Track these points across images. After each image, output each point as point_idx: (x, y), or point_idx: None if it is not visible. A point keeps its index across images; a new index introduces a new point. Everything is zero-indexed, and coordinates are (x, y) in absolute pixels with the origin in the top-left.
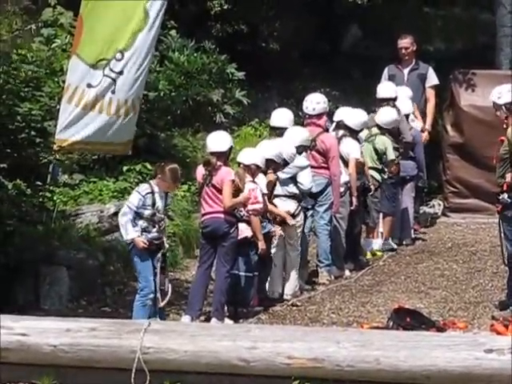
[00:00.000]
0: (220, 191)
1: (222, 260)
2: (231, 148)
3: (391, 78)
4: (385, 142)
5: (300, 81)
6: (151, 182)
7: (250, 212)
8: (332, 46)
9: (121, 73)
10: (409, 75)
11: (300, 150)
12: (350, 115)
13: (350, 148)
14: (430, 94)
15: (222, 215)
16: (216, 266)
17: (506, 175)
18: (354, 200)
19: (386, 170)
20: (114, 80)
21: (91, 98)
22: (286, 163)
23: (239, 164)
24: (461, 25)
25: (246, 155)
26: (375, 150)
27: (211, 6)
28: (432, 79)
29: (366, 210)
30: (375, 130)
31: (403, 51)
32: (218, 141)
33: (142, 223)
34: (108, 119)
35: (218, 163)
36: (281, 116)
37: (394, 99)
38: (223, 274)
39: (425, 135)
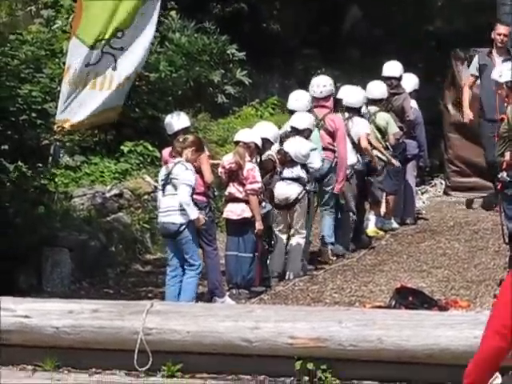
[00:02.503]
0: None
1: (206, 240)
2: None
3: (482, 67)
4: (385, 117)
5: (301, 61)
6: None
7: (249, 191)
8: (332, 26)
9: (121, 49)
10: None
11: (306, 133)
12: (350, 94)
13: (360, 126)
14: None
15: (195, 196)
16: (203, 247)
17: (505, 153)
18: (394, 162)
19: (389, 146)
20: (114, 56)
21: (90, 76)
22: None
23: (238, 142)
24: (461, 4)
25: (246, 134)
26: (377, 128)
27: None
28: None
29: (369, 189)
30: (373, 109)
31: (501, 37)
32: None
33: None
34: (108, 95)
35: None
36: (297, 99)
37: (399, 78)
38: (211, 253)
39: None
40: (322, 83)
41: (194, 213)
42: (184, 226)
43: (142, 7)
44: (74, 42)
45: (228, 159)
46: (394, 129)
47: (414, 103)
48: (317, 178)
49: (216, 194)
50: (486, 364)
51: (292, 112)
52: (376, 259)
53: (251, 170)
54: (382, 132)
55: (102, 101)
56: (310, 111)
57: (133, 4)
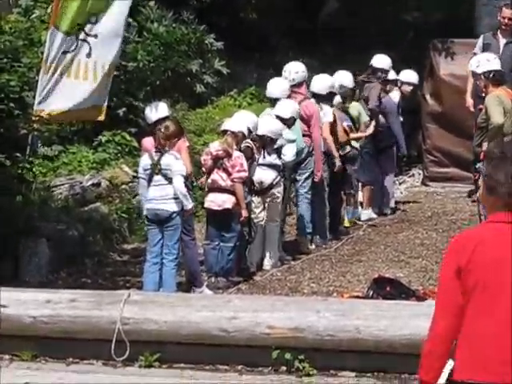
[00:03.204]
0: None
1: (184, 231)
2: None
3: (486, 46)
4: (355, 106)
5: (279, 51)
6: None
7: (236, 180)
8: (310, 17)
9: (96, 36)
10: (505, 47)
11: (290, 121)
12: (315, 82)
13: (323, 113)
14: None
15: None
16: (182, 238)
17: (482, 144)
18: (337, 161)
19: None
20: (89, 43)
21: (67, 64)
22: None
23: (225, 131)
24: None
25: (234, 123)
26: (350, 117)
27: None
28: None
29: (346, 179)
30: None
31: (506, 21)
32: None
33: None
34: (84, 85)
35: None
36: (276, 86)
37: (386, 71)
38: (190, 243)
39: None
40: (293, 70)
41: (189, 203)
42: (175, 214)
43: None
44: (52, 31)
45: (215, 146)
46: (364, 118)
47: (396, 94)
48: (295, 164)
49: (194, 184)
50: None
51: (271, 100)
52: (354, 249)
53: (239, 157)
54: (354, 120)
55: (84, 95)
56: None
57: None
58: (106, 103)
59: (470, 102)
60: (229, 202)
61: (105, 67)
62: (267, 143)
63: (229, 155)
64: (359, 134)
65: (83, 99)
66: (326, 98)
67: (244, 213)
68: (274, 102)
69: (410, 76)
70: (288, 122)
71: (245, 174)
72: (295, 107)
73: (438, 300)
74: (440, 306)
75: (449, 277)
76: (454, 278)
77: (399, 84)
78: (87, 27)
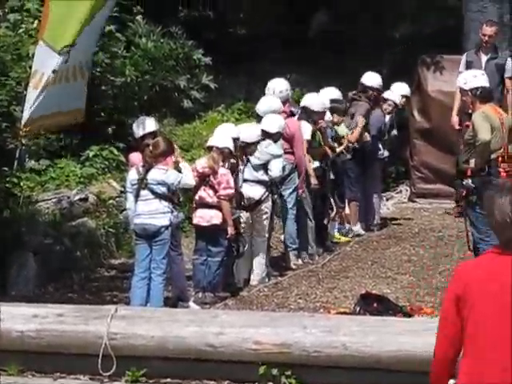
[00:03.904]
0: None
1: (171, 246)
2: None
3: (469, 64)
4: (344, 129)
5: (267, 66)
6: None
7: (222, 197)
8: (299, 30)
9: (74, 45)
10: (487, 63)
11: (277, 136)
12: (307, 97)
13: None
14: (509, 84)
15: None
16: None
17: (470, 160)
18: (313, 180)
19: (344, 151)
20: (68, 52)
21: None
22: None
23: (211, 148)
24: (429, 9)
25: (219, 139)
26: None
27: None
28: (508, 71)
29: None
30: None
31: (486, 38)
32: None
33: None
34: (64, 88)
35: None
36: (269, 105)
37: (377, 90)
38: (176, 258)
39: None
40: (277, 89)
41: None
42: (164, 229)
43: (102, 7)
44: (41, 46)
45: (201, 163)
46: (341, 132)
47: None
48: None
49: (181, 199)
50: None
51: (260, 117)
52: (341, 265)
53: (224, 175)
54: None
55: (64, 98)
56: None
57: (93, 7)
58: (84, 105)
59: (455, 120)
60: (216, 218)
61: (76, 66)
62: (246, 149)
63: (214, 172)
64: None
65: (63, 102)
66: (316, 114)
67: (230, 230)
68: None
69: (402, 88)
70: (274, 137)
71: (231, 191)
72: (281, 122)
73: (439, 326)
74: (440, 332)
75: (448, 304)
76: (452, 306)
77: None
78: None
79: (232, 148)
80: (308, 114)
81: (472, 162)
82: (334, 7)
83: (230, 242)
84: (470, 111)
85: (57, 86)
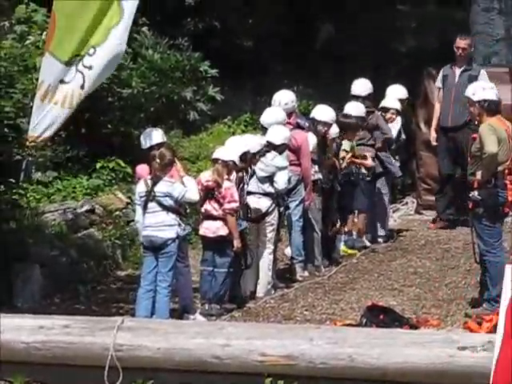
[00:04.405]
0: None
1: (178, 258)
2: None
3: (444, 78)
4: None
5: (273, 78)
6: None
7: (227, 211)
8: (305, 43)
9: (90, 68)
10: (460, 76)
11: (282, 148)
12: (317, 109)
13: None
14: None
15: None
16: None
17: (476, 172)
18: (306, 194)
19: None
20: (84, 75)
21: (63, 94)
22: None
23: (217, 160)
24: (434, 22)
25: (224, 151)
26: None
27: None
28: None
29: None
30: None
31: (460, 51)
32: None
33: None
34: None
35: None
36: (273, 116)
37: (366, 97)
38: (183, 270)
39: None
40: (283, 101)
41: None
42: (170, 241)
43: (115, 27)
44: (48, 58)
45: (205, 176)
46: (344, 147)
47: (397, 119)
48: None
49: (188, 211)
50: None
51: (265, 128)
52: (347, 277)
53: (229, 188)
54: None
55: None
56: None
57: (108, 20)
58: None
59: (433, 136)
60: (223, 229)
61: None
62: (250, 159)
63: (219, 186)
64: (364, 162)
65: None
66: (314, 126)
67: (236, 243)
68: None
69: (398, 91)
70: (279, 149)
71: (236, 205)
72: (287, 134)
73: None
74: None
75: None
76: None
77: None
78: (86, 59)
79: (237, 161)
80: (316, 125)
81: (478, 174)
82: (340, 19)
83: (237, 255)
84: (476, 123)
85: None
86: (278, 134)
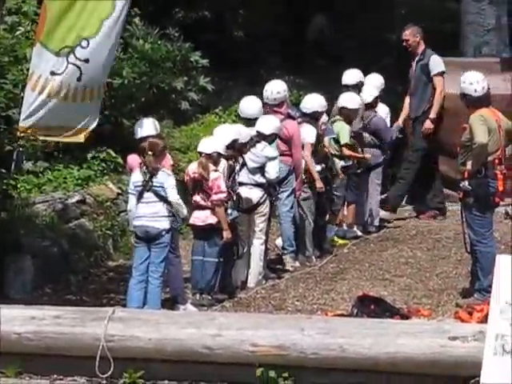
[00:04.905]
0: None
1: (170, 249)
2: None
3: (410, 71)
4: (337, 126)
5: (265, 68)
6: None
7: (215, 202)
8: (297, 33)
9: (87, 61)
10: (415, 67)
11: (272, 138)
12: (304, 100)
13: (305, 132)
14: (436, 82)
15: None
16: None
17: (467, 162)
18: (318, 183)
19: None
20: (80, 68)
21: (55, 86)
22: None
23: (201, 153)
24: (425, 12)
25: (206, 144)
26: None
27: None
28: (435, 67)
29: (330, 197)
30: (336, 117)
31: (404, 43)
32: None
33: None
34: (73, 106)
35: None
36: (250, 105)
37: (357, 86)
38: (174, 261)
39: (427, 124)
40: (275, 90)
41: (184, 210)
42: (165, 232)
43: (108, 19)
44: (38, 48)
45: (193, 168)
46: (344, 139)
47: (383, 108)
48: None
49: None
50: None
51: (244, 119)
52: (338, 267)
53: (216, 179)
54: (337, 141)
55: (72, 117)
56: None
57: (100, 11)
58: (92, 126)
59: (397, 124)
60: (211, 218)
61: (94, 91)
62: (240, 149)
63: (205, 178)
64: (355, 155)
65: (70, 120)
66: (313, 118)
67: (226, 234)
68: (248, 121)
69: (376, 80)
70: (269, 139)
71: (223, 196)
72: (277, 124)
73: None
74: None
75: None
76: None
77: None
78: (78, 52)
79: (223, 150)
80: (302, 115)
81: (469, 164)
82: (333, 10)
83: (228, 245)
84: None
85: (69, 103)
86: (268, 124)
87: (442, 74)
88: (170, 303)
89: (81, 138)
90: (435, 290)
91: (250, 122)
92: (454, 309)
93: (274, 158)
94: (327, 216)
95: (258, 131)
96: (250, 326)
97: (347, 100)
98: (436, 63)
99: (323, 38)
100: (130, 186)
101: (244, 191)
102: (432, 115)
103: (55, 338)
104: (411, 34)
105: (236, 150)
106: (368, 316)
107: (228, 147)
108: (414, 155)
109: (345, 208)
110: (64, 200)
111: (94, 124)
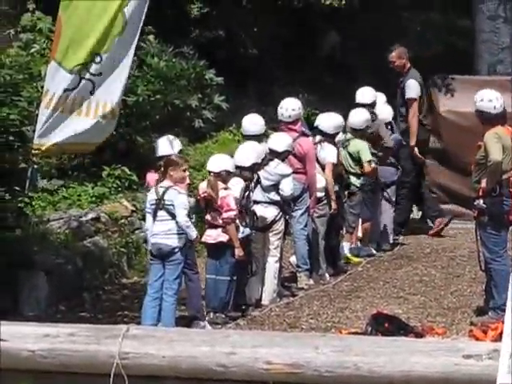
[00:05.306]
0: None
1: (186, 265)
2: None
3: (397, 92)
4: (357, 145)
5: (278, 86)
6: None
7: (225, 220)
8: (310, 51)
9: (99, 74)
10: (398, 88)
11: (284, 155)
12: (324, 119)
13: (326, 152)
14: (409, 106)
15: None
16: (185, 272)
17: (481, 180)
18: (333, 204)
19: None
20: (93, 83)
21: (69, 102)
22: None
23: (210, 172)
24: (439, 30)
25: (214, 163)
26: (350, 154)
27: (190, 9)
28: (408, 92)
29: (343, 215)
30: (349, 135)
31: (390, 65)
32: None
33: None
34: (86, 121)
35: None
36: (253, 123)
37: (372, 105)
38: (193, 277)
39: (413, 152)
40: (290, 107)
41: (193, 233)
42: (178, 249)
43: (122, 34)
44: (53, 66)
45: (203, 187)
46: (366, 156)
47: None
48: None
49: (193, 220)
50: None
51: (247, 137)
52: (352, 285)
53: (225, 197)
54: (353, 157)
55: (83, 131)
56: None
57: (112, 28)
58: (102, 140)
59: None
60: (223, 236)
61: (106, 106)
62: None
63: (213, 197)
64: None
65: (80, 134)
66: (333, 137)
67: (238, 251)
68: (250, 138)
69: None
70: (281, 156)
71: (233, 213)
72: (289, 141)
73: None
74: None
75: None
76: None
77: None
78: (92, 67)
79: (232, 168)
80: (322, 135)
81: (483, 182)
82: (343, 29)
83: (242, 263)
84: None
85: (82, 118)
86: (281, 141)
87: (414, 99)
88: (188, 320)
89: (90, 149)
90: (449, 309)
91: (252, 139)
92: (468, 327)
93: (287, 175)
94: (341, 234)
95: (270, 149)
96: (265, 343)
97: (362, 122)
98: (410, 87)
99: (335, 55)
100: (146, 204)
101: (259, 209)
102: (412, 142)
103: (69, 355)
104: (397, 56)
105: (255, 171)
106: (382, 334)
107: (248, 169)
108: (408, 179)
109: (359, 225)
110: (78, 217)
111: (103, 139)
